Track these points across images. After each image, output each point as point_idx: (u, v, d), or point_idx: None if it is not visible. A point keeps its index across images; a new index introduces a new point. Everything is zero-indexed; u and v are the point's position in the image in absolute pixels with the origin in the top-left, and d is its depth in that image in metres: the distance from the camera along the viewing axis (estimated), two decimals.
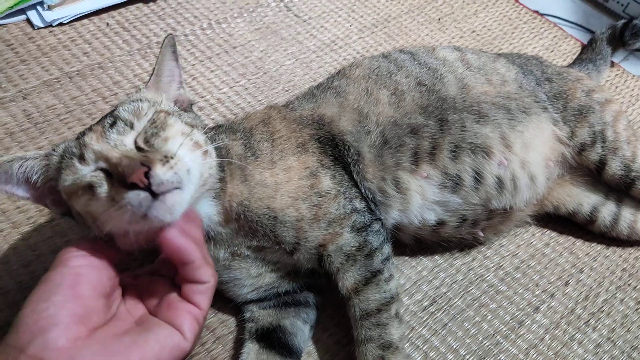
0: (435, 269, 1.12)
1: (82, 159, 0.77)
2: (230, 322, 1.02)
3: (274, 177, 0.92)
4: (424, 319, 1.06)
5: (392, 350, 0.89)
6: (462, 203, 1.03)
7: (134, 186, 0.71)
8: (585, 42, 1.59)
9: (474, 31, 1.64)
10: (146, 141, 0.79)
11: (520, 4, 1.74)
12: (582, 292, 1.12)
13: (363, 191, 0.99)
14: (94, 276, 0.75)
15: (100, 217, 0.75)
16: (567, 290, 1.12)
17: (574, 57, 1.59)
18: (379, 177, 0.99)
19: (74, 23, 1.47)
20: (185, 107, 0.95)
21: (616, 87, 1.53)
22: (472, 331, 1.05)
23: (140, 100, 0.87)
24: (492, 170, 1.03)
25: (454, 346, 1.03)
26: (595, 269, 1.15)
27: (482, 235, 1.11)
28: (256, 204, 0.91)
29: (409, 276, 1.11)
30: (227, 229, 0.92)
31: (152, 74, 0.92)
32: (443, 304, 1.08)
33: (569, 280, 1.13)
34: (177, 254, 0.77)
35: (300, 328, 0.99)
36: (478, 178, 1.02)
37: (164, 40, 0.91)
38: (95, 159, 0.77)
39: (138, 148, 0.78)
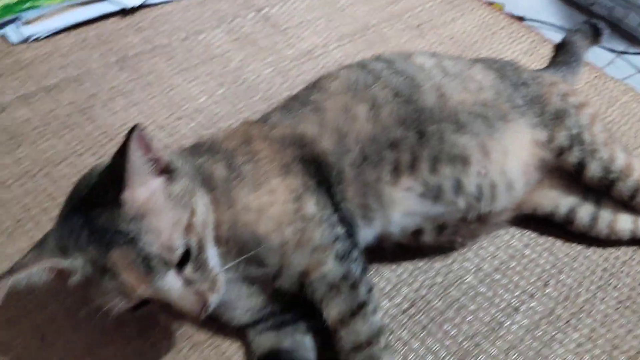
0: (414, 272, 1.12)
1: (126, 296, 0.78)
2: (207, 328, 1.01)
3: (258, 200, 0.91)
4: (403, 321, 1.05)
5: None
6: (442, 212, 1.03)
7: None
8: None
9: (452, 37, 1.65)
10: (195, 271, 0.81)
11: (499, 11, 1.76)
12: (562, 292, 1.11)
13: (343, 213, 0.97)
14: None
15: None
16: (547, 291, 1.11)
17: None
18: (360, 194, 0.98)
19: (51, 38, 1.48)
20: (167, 165, 0.85)
21: (595, 89, 1.54)
22: (452, 332, 1.04)
23: (149, 225, 0.78)
24: (471, 179, 1.02)
25: (433, 348, 1.02)
26: (576, 269, 1.15)
27: (460, 240, 1.11)
28: (241, 229, 0.90)
29: (388, 279, 1.10)
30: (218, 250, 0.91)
31: (127, 177, 0.77)
32: (422, 306, 1.07)
33: (548, 281, 1.13)
34: None
35: (300, 341, 0.97)
36: (458, 187, 1.02)
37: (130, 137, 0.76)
38: (140, 298, 0.79)
39: (186, 281, 0.80)
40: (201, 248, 0.82)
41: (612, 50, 1.76)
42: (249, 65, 1.48)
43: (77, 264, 0.77)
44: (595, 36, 1.56)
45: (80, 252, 0.77)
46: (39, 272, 0.78)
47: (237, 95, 1.41)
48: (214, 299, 0.82)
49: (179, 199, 0.82)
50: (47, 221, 1.12)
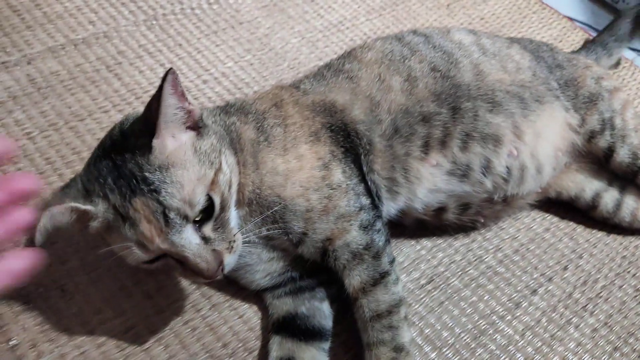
0: (434, 249, 1.12)
1: (143, 247, 0.76)
2: (227, 289, 1.02)
3: (285, 165, 0.91)
4: (421, 296, 1.05)
5: (404, 354, 0.89)
6: (467, 191, 1.03)
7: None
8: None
9: (482, 18, 1.63)
10: (215, 229, 0.80)
11: None
12: (580, 277, 1.11)
13: (369, 184, 0.98)
14: None
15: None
16: (566, 275, 1.11)
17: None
18: (387, 167, 0.98)
19: None
20: (197, 121, 0.84)
21: (623, 79, 1.52)
22: (468, 310, 1.04)
23: (173, 177, 0.77)
24: (501, 160, 1.02)
25: (450, 324, 1.02)
26: (595, 255, 1.15)
27: (482, 221, 1.11)
28: (266, 192, 0.89)
29: (407, 254, 1.10)
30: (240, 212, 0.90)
31: (160, 123, 0.77)
32: (440, 283, 1.07)
33: (567, 265, 1.13)
34: None
35: (317, 307, 0.98)
36: (487, 167, 1.02)
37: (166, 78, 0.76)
38: (158, 251, 0.77)
39: (204, 238, 0.79)
40: (223, 207, 0.81)
41: (634, 49, 1.73)
42: (277, 33, 1.47)
43: (99, 209, 0.77)
44: None
45: (103, 197, 0.77)
46: (61, 212, 0.77)
47: (263, 63, 1.40)
48: (230, 260, 0.81)
49: (206, 156, 0.81)
50: (70, 174, 1.12)
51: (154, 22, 1.43)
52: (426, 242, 1.13)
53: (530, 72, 1.10)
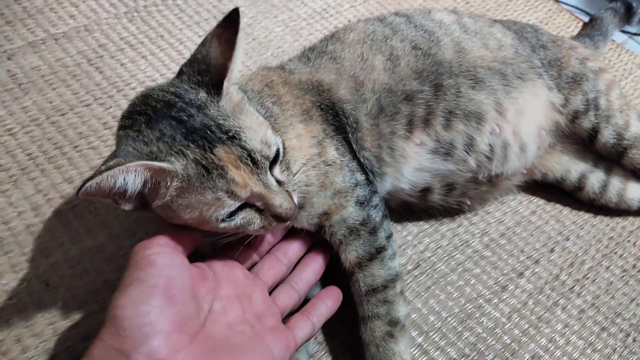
0: (420, 234, 1.12)
1: (232, 195, 0.73)
2: None
3: (288, 143, 0.90)
4: (407, 281, 1.05)
5: (399, 327, 0.89)
6: (452, 170, 1.03)
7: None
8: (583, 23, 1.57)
9: (467, 2, 1.62)
10: (282, 171, 0.80)
11: None
12: (567, 259, 1.11)
13: (362, 161, 0.98)
14: (182, 277, 0.73)
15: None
16: (552, 257, 1.11)
17: (568, 30, 1.58)
18: (375, 145, 0.98)
19: None
20: None
21: (609, 61, 1.52)
22: (455, 295, 1.04)
23: (246, 122, 0.76)
24: (484, 137, 1.02)
25: (436, 308, 1.02)
26: (582, 237, 1.14)
27: (469, 203, 1.10)
28: None
29: (394, 240, 1.10)
30: None
31: (231, 65, 0.77)
32: (427, 268, 1.07)
33: (554, 248, 1.12)
34: None
35: None
36: (470, 145, 1.02)
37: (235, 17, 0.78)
38: (249, 196, 0.75)
39: (278, 181, 0.78)
40: (285, 150, 0.81)
41: (625, 32, 1.72)
42: (260, 23, 1.46)
43: (177, 166, 0.71)
44: (627, 16, 1.49)
45: (177, 154, 0.72)
46: (134, 170, 0.69)
47: (246, 52, 1.39)
48: (296, 200, 0.81)
49: (252, 106, 0.81)
50: (53, 169, 1.12)
51: (135, 14, 1.42)
52: (412, 228, 1.12)
53: (512, 50, 1.09)
